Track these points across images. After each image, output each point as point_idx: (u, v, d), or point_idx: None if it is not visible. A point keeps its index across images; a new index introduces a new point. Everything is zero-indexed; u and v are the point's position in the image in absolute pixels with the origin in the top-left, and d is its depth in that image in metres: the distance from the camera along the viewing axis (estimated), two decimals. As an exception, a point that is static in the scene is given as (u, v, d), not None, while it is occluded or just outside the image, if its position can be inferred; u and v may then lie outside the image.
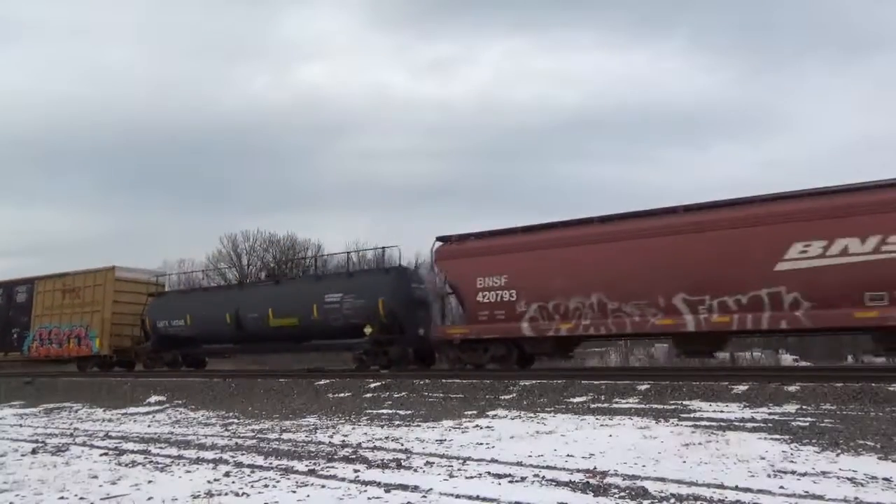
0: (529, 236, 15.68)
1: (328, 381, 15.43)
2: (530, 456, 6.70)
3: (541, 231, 15.65)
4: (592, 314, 14.05)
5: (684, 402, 10.30)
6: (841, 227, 11.85)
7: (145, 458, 7.66)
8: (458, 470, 6.15)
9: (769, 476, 5.52)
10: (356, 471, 6.26)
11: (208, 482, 6.04)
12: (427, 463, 6.56)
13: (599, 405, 10.47)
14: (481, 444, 7.63)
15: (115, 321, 23.73)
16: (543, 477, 5.73)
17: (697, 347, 14.13)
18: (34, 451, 8.51)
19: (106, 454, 8.08)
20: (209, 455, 7.62)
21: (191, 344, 22.43)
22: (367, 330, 17.47)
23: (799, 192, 12.86)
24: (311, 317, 18.66)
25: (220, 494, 5.51)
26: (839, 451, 6.52)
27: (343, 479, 5.91)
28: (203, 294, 24.23)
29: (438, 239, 17.24)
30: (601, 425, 8.61)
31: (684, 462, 6.20)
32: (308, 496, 5.35)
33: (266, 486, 5.80)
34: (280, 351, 23.19)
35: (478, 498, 5.04)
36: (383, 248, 20.61)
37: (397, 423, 9.89)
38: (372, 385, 14.26)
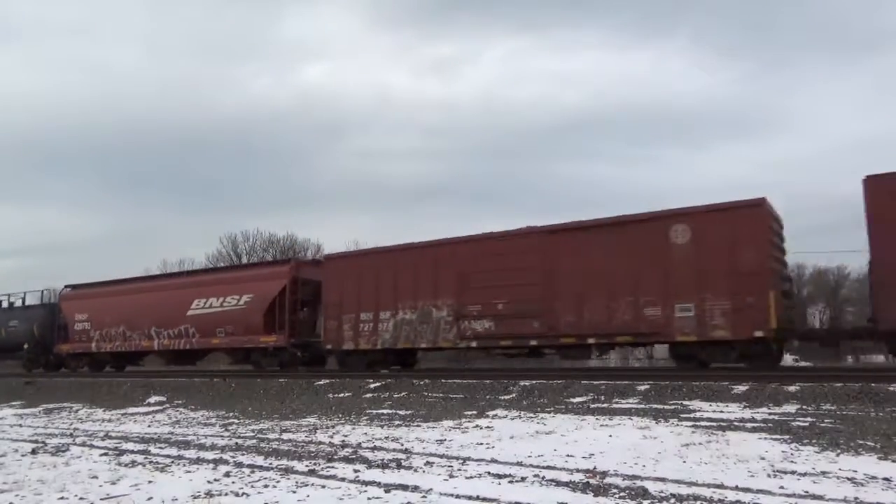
0: (100, 289, 26.40)
1: (328, 381, 15.44)
2: (530, 456, 6.70)
3: (105, 286, 26.61)
4: (122, 339, 24.43)
5: (684, 402, 10.31)
6: (211, 292, 22.10)
7: (145, 458, 7.65)
8: (458, 470, 6.15)
9: (769, 476, 5.52)
10: (356, 471, 6.26)
11: (208, 482, 6.04)
12: (427, 463, 6.56)
13: (599, 405, 10.47)
14: (481, 444, 7.62)
15: None
16: (543, 477, 5.72)
17: (169, 358, 24.27)
18: (34, 452, 8.51)
19: (106, 454, 8.07)
20: (209, 455, 7.61)
21: None
22: (25, 346, 27.66)
23: (197, 269, 25.84)
24: (1, 335, 28.46)
25: (220, 494, 5.51)
26: (839, 451, 6.52)
27: (343, 479, 5.90)
28: None
29: (66, 287, 28.24)
30: (601, 425, 8.61)
31: (684, 462, 6.20)
32: (308, 496, 5.35)
33: (266, 486, 5.79)
34: None
35: (478, 498, 5.03)
36: (43, 290, 31.26)
37: (397, 423, 9.89)
38: (372, 385, 14.27)
